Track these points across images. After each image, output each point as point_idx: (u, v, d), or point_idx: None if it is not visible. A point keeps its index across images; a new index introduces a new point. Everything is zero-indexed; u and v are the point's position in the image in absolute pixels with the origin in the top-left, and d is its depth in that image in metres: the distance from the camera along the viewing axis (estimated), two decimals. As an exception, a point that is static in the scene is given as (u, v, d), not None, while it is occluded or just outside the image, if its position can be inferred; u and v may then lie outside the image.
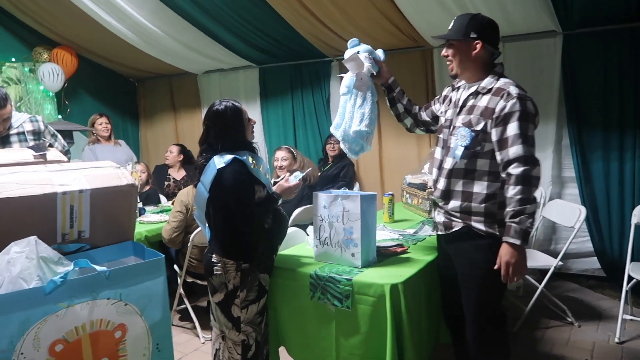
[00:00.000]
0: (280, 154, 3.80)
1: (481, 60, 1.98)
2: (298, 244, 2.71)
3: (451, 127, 2.04)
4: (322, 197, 2.29)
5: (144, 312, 1.11)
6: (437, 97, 2.30)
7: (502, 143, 1.85)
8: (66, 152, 3.00)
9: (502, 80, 1.94)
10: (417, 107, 2.38)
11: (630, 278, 2.90)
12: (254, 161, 2.11)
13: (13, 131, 2.84)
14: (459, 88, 2.11)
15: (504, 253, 1.86)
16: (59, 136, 3.13)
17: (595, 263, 3.68)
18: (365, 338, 2.05)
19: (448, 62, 2.04)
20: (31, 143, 2.78)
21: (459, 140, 1.96)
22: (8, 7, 4.67)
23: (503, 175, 1.88)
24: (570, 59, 3.58)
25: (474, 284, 2.03)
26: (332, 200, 2.25)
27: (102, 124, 4.47)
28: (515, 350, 2.31)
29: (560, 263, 3.05)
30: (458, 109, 2.03)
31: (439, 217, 2.11)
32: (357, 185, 4.59)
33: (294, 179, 2.35)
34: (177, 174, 4.45)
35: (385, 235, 2.69)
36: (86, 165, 1.34)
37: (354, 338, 2.08)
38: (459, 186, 1.99)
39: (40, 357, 0.97)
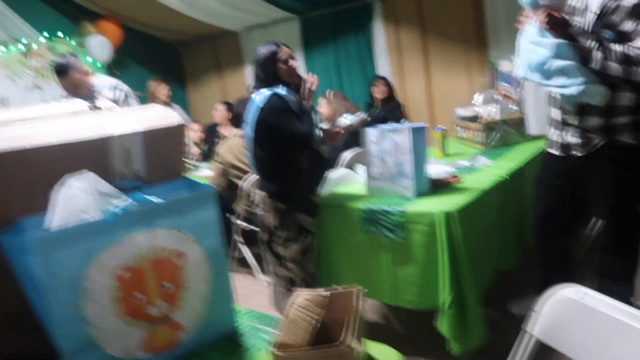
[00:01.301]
0: (319, 100, 3.79)
1: None
2: (349, 184, 2.71)
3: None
4: (372, 133, 2.26)
5: (200, 240, 1.15)
6: None
7: (632, 35, 1.70)
8: None
9: None
10: None
11: None
12: (292, 96, 2.14)
13: (98, 96, 2.85)
14: None
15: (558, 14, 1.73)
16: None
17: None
18: (420, 268, 2.05)
19: None
20: None
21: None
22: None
23: None
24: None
25: (617, 201, 1.90)
26: (382, 135, 2.22)
27: (164, 89, 4.51)
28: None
29: None
30: (596, 15, 1.79)
31: (571, 137, 1.95)
32: (406, 122, 4.49)
33: (345, 120, 2.35)
34: (226, 130, 4.51)
35: (438, 169, 2.61)
36: (136, 109, 1.38)
37: (409, 268, 2.08)
38: (616, 67, 1.73)
39: (107, 282, 1.04)
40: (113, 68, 5.38)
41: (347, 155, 3.40)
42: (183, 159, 1.47)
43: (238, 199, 3.20)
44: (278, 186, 2.16)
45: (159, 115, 1.32)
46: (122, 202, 1.12)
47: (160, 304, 1.11)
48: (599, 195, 1.98)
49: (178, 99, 6.07)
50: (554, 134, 2.07)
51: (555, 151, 2.08)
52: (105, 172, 1.24)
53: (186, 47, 6.15)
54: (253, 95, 2.14)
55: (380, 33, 4.62)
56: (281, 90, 2.11)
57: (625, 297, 2.00)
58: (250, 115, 2.12)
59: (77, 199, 1.08)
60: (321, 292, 1.03)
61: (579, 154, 1.95)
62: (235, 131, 3.25)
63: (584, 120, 1.89)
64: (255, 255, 3.38)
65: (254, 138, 2.13)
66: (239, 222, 3.27)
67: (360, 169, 2.55)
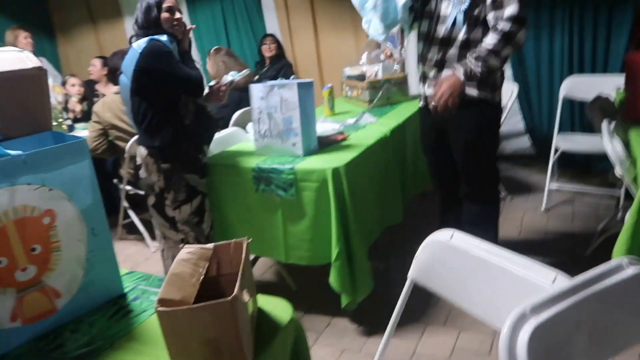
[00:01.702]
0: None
1: None
2: (239, 142, 2.66)
3: None
4: (258, 88, 2.22)
5: (73, 196, 1.06)
6: None
7: (497, 3, 1.89)
8: None
9: None
10: None
11: (556, 150, 3.08)
12: (173, 44, 2.02)
13: None
14: None
15: (448, 78, 1.98)
16: None
17: (526, 142, 3.88)
18: (311, 224, 2.11)
19: None
20: None
21: (457, 5, 1.94)
22: None
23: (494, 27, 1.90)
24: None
25: (470, 149, 2.13)
26: (269, 91, 2.19)
27: (27, 38, 3.96)
28: (445, 225, 2.46)
29: (434, 106, 3.15)
30: None
31: (430, 89, 2.13)
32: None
33: (230, 77, 2.25)
34: (105, 88, 4.16)
35: (326, 127, 2.67)
36: (-16, 51, 1.21)
37: (301, 224, 2.13)
38: (453, 55, 2.01)
39: (-37, 248, 0.91)
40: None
41: (238, 113, 3.33)
42: (52, 112, 1.32)
43: (122, 162, 3.00)
44: (160, 142, 2.01)
45: (13, 57, 1.17)
46: (-27, 156, 0.99)
47: (30, 269, 1.01)
48: (455, 143, 2.20)
49: (47, 51, 5.44)
50: (420, 87, 2.27)
51: (420, 103, 2.31)
52: (-50, 124, 1.08)
53: (53, -7, 5.48)
54: (132, 44, 1.98)
55: (268, -11, 4.50)
56: (160, 37, 1.96)
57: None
58: (128, 63, 1.96)
59: None
60: (205, 245, 1.00)
61: (434, 103, 2.10)
62: (115, 88, 2.99)
63: (439, 74, 2.09)
64: (143, 222, 3.23)
65: (132, 88, 1.97)
66: (125, 186, 3.07)
67: (250, 127, 2.51)
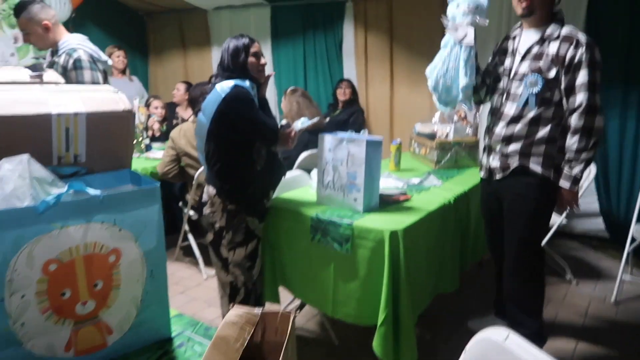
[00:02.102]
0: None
1: (552, 2, 2.01)
2: (302, 186, 2.70)
3: (512, 74, 2.08)
4: (328, 140, 2.25)
5: (139, 238, 1.10)
6: (490, 60, 2.29)
7: (571, 90, 1.94)
8: None
9: (567, 27, 1.98)
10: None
11: (633, 239, 2.88)
12: (254, 90, 2.09)
13: (56, 59, 2.57)
14: (514, 37, 2.14)
15: (560, 195, 2.06)
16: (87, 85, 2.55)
17: (599, 224, 3.65)
18: (362, 282, 2.07)
19: (523, 1, 1.98)
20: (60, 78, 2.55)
21: (529, 87, 2.00)
22: None
23: (569, 122, 1.97)
24: (596, 5, 3.38)
25: (521, 219, 2.13)
26: (338, 143, 2.22)
27: (119, 57, 4.40)
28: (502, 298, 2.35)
29: (564, 221, 3.02)
30: (521, 57, 2.05)
31: (494, 161, 2.17)
32: (365, 132, 4.52)
33: (300, 125, 2.30)
34: (185, 112, 4.39)
35: (389, 183, 2.66)
36: (84, 87, 1.30)
37: (352, 281, 2.10)
38: (521, 131, 2.05)
39: (34, 275, 0.97)
40: (72, 29, 5.10)
41: (304, 154, 3.39)
42: (135, 139, 1.41)
43: (189, 187, 3.12)
44: (230, 185, 2.07)
45: (107, 98, 1.25)
46: (57, 189, 1.06)
47: (89, 303, 1.05)
48: (509, 212, 2.19)
49: (139, 70, 5.85)
50: (483, 158, 2.28)
51: (482, 174, 2.32)
52: (43, 153, 1.17)
53: (152, 18, 5.91)
54: (216, 85, 2.05)
55: (349, 34, 4.61)
56: (244, 82, 2.03)
57: (535, 329, 2.16)
58: (210, 105, 2.02)
59: (8, 182, 1.01)
60: (253, 310, 1.01)
61: (498, 177, 2.17)
62: (193, 117, 3.14)
63: (506, 147, 2.11)
64: (200, 246, 3.33)
65: (209, 130, 2.03)
66: (188, 210, 3.19)
67: (314, 174, 2.54)
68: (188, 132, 3.05)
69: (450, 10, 2.13)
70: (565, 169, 1.99)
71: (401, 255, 1.99)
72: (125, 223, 1.08)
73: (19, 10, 2.55)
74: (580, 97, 1.92)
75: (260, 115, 2.04)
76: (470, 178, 2.82)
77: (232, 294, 2.18)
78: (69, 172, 1.18)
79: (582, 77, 1.91)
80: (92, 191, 1.04)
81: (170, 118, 4.38)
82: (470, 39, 2.05)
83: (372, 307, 2.04)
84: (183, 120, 4.23)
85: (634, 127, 3.34)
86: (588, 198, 3.54)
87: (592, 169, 3.07)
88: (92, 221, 1.04)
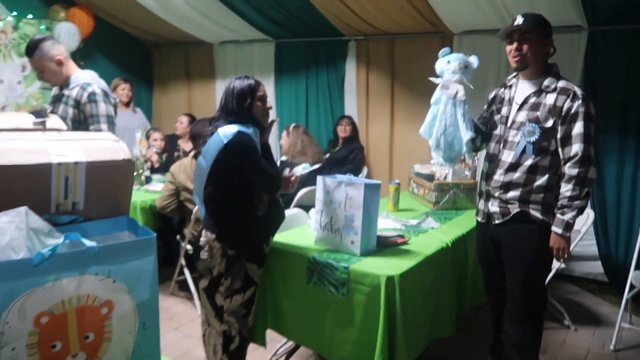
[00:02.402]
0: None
1: (546, 57, 2.09)
2: (299, 225, 2.70)
3: (509, 123, 2.13)
4: (326, 182, 2.26)
5: (132, 290, 1.10)
6: (485, 105, 2.34)
7: (566, 140, 1.99)
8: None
9: (563, 81, 2.05)
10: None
11: (632, 286, 2.86)
12: (257, 136, 2.07)
13: (66, 92, 2.64)
14: (510, 86, 2.19)
15: (551, 239, 2.05)
16: (101, 117, 2.60)
17: (598, 267, 3.63)
18: (358, 327, 2.06)
19: (514, 54, 2.05)
20: (71, 110, 2.60)
21: (527, 136, 2.04)
22: (27, -37, 4.63)
23: (563, 170, 2.01)
24: (593, 56, 3.47)
25: (523, 264, 2.13)
26: (336, 186, 2.23)
27: (124, 90, 4.46)
28: (499, 343, 2.32)
29: (563, 265, 3.01)
30: (518, 106, 2.10)
31: (493, 207, 2.19)
32: (365, 170, 4.55)
33: (302, 170, 2.30)
34: (187, 145, 4.43)
35: (387, 224, 2.66)
36: (85, 135, 1.32)
37: (347, 326, 2.08)
38: (520, 179, 2.08)
39: (25, 328, 0.97)
40: (79, 59, 5.21)
41: (302, 191, 3.40)
42: (135, 171, 1.42)
43: (188, 221, 3.12)
44: (230, 230, 2.03)
45: (108, 146, 1.27)
46: (53, 240, 1.06)
47: (80, 355, 1.05)
48: (509, 257, 2.19)
49: (144, 101, 5.93)
50: (480, 203, 2.29)
51: (480, 219, 2.32)
52: (41, 201, 1.18)
53: (159, 49, 6.03)
54: (218, 129, 2.00)
55: (352, 72, 4.69)
56: (247, 129, 2.00)
57: None
58: (211, 150, 1.98)
59: (4, 233, 1.02)
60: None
61: (497, 221, 2.17)
62: (194, 152, 3.17)
63: (505, 194, 2.12)
64: (196, 280, 3.30)
65: (210, 175, 2.00)
66: (185, 245, 3.18)
67: (313, 213, 2.55)
68: (188, 167, 3.07)
69: (440, 65, 2.20)
70: (558, 215, 2.01)
71: (397, 301, 1.98)
72: (120, 275, 1.08)
73: (31, 50, 2.61)
74: (575, 148, 1.96)
75: (263, 163, 2.02)
76: (468, 221, 2.82)
77: (225, 343, 2.09)
78: (66, 220, 1.18)
79: (578, 128, 1.96)
80: (88, 242, 1.05)
81: (171, 150, 4.42)
82: (462, 94, 2.11)
83: (368, 351, 2.01)
84: (185, 153, 4.27)
85: (630, 173, 3.36)
86: (587, 241, 3.53)
87: (591, 214, 3.08)
88: (87, 273, 1.04)
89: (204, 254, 2.06)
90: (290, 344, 2.65)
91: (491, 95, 2.30)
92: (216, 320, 2.11)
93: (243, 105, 2.02)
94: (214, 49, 5.49)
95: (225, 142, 1.93)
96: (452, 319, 2.49)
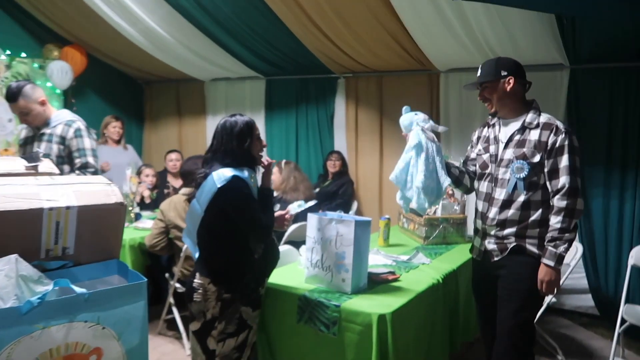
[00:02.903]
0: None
1: (518, 95, 2.14)
2: (290, 262, 2.69)
3: (498, 161, 2.16)
4: (316, 219, 2.27)
5: (122, 336, 1.09)
6: (470, 145, 2.38)
7: (553, 173, 2.03)
8: (84, 167, 2.81)
9: (545, 115, 2.11)
10: (462, 164, 2.38)
11: (623, 320, 2.86)
12: (253, 179, 2.05)
13: (48, 130, 2.82)
14: (493, 125, 2.24)
15: (540, 271, 2.05)
16: (87, 151, 2.81)
17: (589, 300, 3.64)
18: (350, 366, 2.03)
19: (486, 103, 2.17)
20: (55, 147, 2.78)
21: (516, 173, 2.08)
22: (22, 3, 4.70)
23: (552, 202, 2.04)
24: (576, 93, 3.57)
25: (516, 297, 2.12)
26: (326, 223, 2.24)
27: (115, 127, 4.51)
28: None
29: (554, 299, 3.02)
30: (504, 144, 2.15)
31: (490, 244, 2.18)
32: (355, 204, 4.57)
33: (297, 207, 2.31)
34: (176, 181, 4.44)
35: (378, 260, 2.67)
36: (77, 180, 1.34)
37: (339, 365, 2.06)
38: (515, 215, 2.10)
39: (11, 379, 0.95)
40: (71, 96, 5.25)
41: (293, 227, 3.40)
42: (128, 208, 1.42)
43: (177, 259, 3.10)
44: (225, 275, 1.98)
45: (100, 190, 1.28)
46: (43, 287, 1.06)
47: (64, 405, 1.03)
48: (503, 290, 2.18)
49: (135, 137, 5.95)
50: (476, 241, 2.30)
51: (475, 256, 2.32)
52: (32, 246, 1.18)
53: (150, 86, 6.09)
54: (212, 172, 1.95)
55: (341, 108, 4.77)
56: (242, 173, 1.97)
57: None
58: (205, 194, 1.94)
59: (-7, 281, 1.01)
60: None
61: (495, 259, 2.16)
62: (184, 189, 3.17)
63: (501, 232, 2.13)
64: (185, 319, 3.25)
65: (203, 219, 1.96)
66: (174, 283, 3.15)
67: (303, 250, 2.55)
68: (178, 205, 3.06)
69: (408, 118, 2.26)
70: (550, 248, 2.02)
71: (389, 339, 1.96)
72: (109, 321, 1.08)
73: (14, 95, 2.73)
74: (562, 180, 2.00)
75: (255, 211, 1.97)
76: (458, 255, 2.84)
77: None
78: (56, 265, 1.18)
79: (564, 161, 2.01)
80: (77, 289, 1.05)
81: (161, 186, 4.41)
82: (435, 140, 2.21)
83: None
84: (174, 190, 4.27)
85: (617, 206, 3.41)
86: (577, 274, 3.55)
87: (579, 247, 3.11)
88: (76, 320, 1.04)
89: (197, 297, 2.00)
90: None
91: (474, 136, 2.35)
92: None
93: (243, 145, 1.98)
94: (205, 86, 5.57)
95: (219, 186, 1.89)
96: (445, 356, 2.47)
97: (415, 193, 2.14)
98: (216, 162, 2.00)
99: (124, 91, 5.94)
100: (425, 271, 2.53)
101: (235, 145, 1.98)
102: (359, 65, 4.40)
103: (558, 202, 2.01)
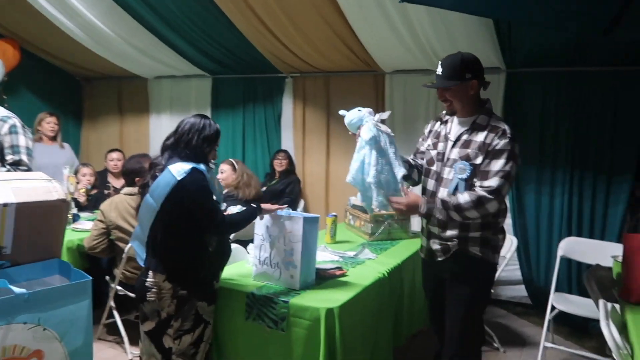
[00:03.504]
0: (221, 167, 3.83)
1: (476, 96, 2.10)
2: (238, 261, 2.68)
3: (445, 160, 2.13)
4: (265, 216, 2.28)
5: (64, 337, 1.06)
6: (421, 137, 2.34)
7: (485, 174, 2.01)
8: (16, 164, 2.63)
9: (495, 119, 2.08)
10: (411, 158, 2.35)
11: (552, 307, 3.06)
12: (210, 173, 2.07)
13: None
14: (446, 121, 2.20)
15: (413, 200, 2.10)
16: (22, 149, 2.68)
17: (522, 291, 3.86)
18: (297, 362, 2.05)
19: (446, 103, 2.12)
20: None
21: (458, 173, 2.06)
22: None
23: (473, 188, 2.01)
24: (512, 95, 3.78)
25: (462, 298, 2.13)
26: (275, 221, 2.26)
27: (49, 123, 4.29)
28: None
29: (492, 290, 3.17)
30: (452, 143, 2.12)
31: (435, 245, 2.18)
32: (302, 203, 4.61)
33: (236, 209, 2.31)
34: (117, 181, 4.29)
35: (325, 257, 2.71)
36: (16, 176, 1.28)
37: (286, 361, 2.07)
38: (456, 216, 2.04)
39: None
40: (2, 93, 4.95)
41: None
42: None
43: (118, 261, 3.00)
44: (181, 270, 1.96)
45: (40, 187, 1.24)
46: (-22, 288, 1.01)
47: (2, 410, 0.99)
48: (450, 294, 2.21)
49: (72, 136, 5.69)
50: (423, 240, 2.31)
51: (423, 255, 2.33)
52: (-35, 247, 1.12)
53: (90, 83, 5.85)
54: (169, 166, 1.95)
55: (288, 108, 4.79)
56: (200, 166, 1.98)
57: None
58: (161, 187, 1.92)
59: None
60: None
61: (440, 259, 2.17)
62: (126, 189, 3.07)
63: (443, 232, 2.14)
64: (126, 322, 3.15)
65: (159, 213, 1.93)
66: (115, 285, 3.04)
67: (251, 248, 2.54)
68: (120, 205, 2.96)
69: (353, 114, 2.20)
70: (437, 202, 2.04)
71: (337, 333, 2.00)
72: (51, 322, 1.05)
73: None
74: (493, 181, 1.98)
75: (213, 204, 1.99)
76: (403, 250, 2.94)
77: None
78: (-9, 266, 1.13)
79: (499, 165, 1.99)
80: (16, 290, 1.01)
81: (101, 186, 4.25)
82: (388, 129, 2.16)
83: (307, 388, 2.01)
84: (115, 190, 4.13)
85: (547, 202, 3.65)
86: (511, 266, 3.76)
87: (514, 240, 3.29)
88: (14, 322, 1.00)
89: (151, 296, 1.95)
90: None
91: (427, 129, 2.32)
92: None
93: (205, 149, 2.04)
94: (148, 84, 5.42)
95: (178, 179, 1.89)
96: (390, 349, 2.55)
97: (373, 190, 2.11)
98: (175, 155, 2.01)
99: (60, 88, 5.67)
100: (371, 266, 2.59)
101: (200, 143, 2.02)
102: (307, 65, 4.44)
103: (479, 189, 1.99)
